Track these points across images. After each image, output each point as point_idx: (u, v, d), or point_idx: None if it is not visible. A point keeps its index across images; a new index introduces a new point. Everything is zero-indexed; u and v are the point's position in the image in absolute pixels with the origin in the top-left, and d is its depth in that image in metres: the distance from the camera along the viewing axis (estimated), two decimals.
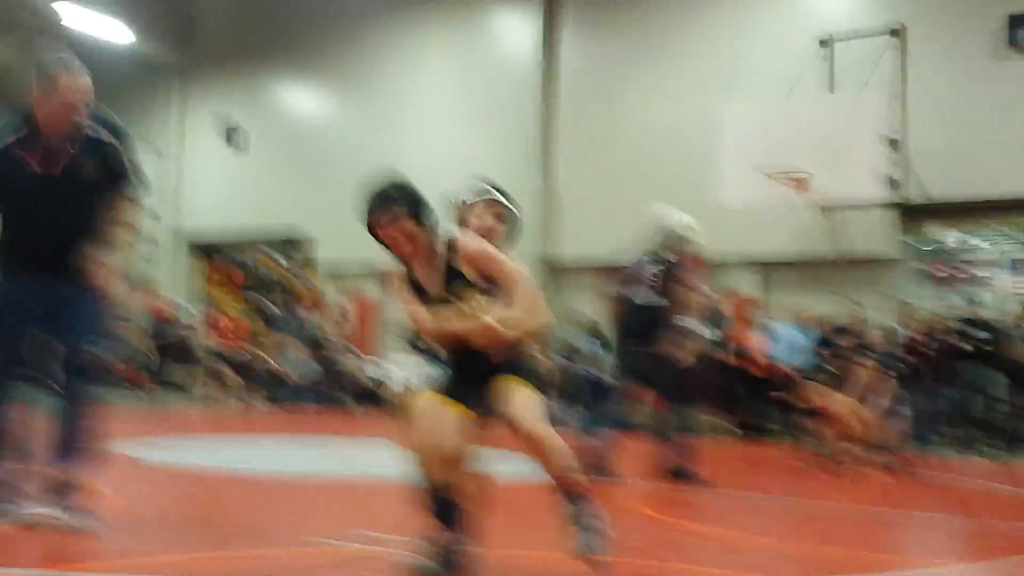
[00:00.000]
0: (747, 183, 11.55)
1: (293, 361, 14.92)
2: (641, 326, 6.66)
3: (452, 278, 3.26)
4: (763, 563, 3.98)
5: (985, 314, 11.26)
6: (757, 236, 12.31)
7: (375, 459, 8.25)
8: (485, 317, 3.18)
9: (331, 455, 8.30)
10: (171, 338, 16.15)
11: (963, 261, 14.18)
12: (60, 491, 3.78)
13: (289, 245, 18.70)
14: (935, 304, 12.95)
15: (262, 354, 16.02)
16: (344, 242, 16.40)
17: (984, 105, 11.55)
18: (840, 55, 12.16)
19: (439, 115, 15.86)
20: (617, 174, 13.52)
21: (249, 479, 6.02)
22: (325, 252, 16.89)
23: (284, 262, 19.74)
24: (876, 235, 12.02)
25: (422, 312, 3.29)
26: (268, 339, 16.93)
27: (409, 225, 3.22)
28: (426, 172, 16.40)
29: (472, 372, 3.27)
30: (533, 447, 3.12)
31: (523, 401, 3.16)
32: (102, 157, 3.86)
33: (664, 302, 6.62)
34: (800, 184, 11.34)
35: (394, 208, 3.22)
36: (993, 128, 11.45)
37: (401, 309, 3.33)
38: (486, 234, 3.67)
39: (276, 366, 15.92)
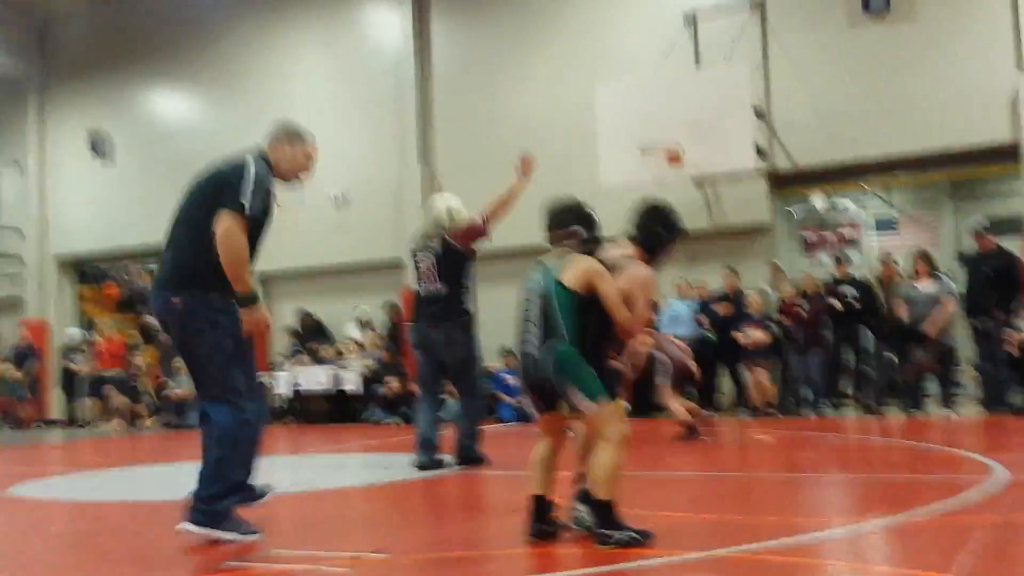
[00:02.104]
0: (623, 161, 11.73)
1: (177, 375, 14.37)
2: (427, 316, 6.87)
3: None
4: (695, 537, 4.05)
5: (854, 273, 11.74)
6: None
7: (275, 473, 8.04)
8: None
9: None
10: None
11: (832, 224, 14.87)
12: None
13: None
14: (808, 267, 13.51)
15: (143, 371, 15.43)
16: None
17: (843, 71, 12.04)
18: (704, 30, 12.47)
19: (315, 113, 15.38)
20: (497, 162, 13.45)
21: (153, 507, 5.79)
22: None
23: None
24: (749, 204, 12.38)
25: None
26: (149, 355, 16.31)
27: None
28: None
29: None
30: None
31: None
32: None
33: (443, 290, 6.81)
34: (674, 159, 11.57)
35: None
36: (853, 93, 11.94)
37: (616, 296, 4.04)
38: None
39: (156, 383, 15.37)
